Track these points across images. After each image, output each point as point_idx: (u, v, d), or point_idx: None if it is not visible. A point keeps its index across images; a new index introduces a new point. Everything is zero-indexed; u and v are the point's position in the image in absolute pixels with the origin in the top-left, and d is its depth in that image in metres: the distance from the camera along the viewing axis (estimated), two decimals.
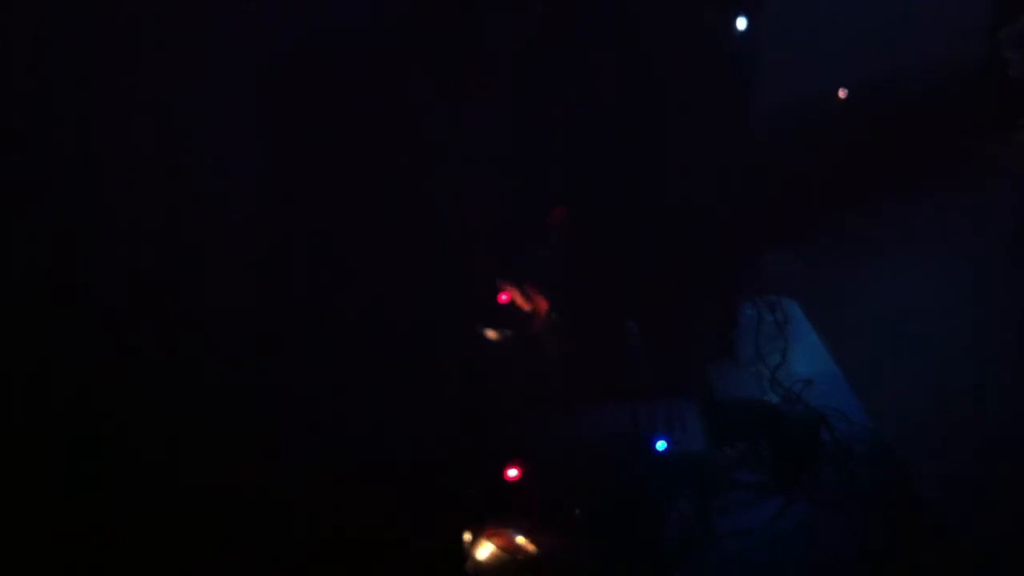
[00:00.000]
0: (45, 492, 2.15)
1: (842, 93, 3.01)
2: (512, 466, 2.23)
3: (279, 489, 2.18)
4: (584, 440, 2.39)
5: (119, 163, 2.29)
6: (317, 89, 2.39)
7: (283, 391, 2.30)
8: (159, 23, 2.27)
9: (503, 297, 2.61)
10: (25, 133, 2.20)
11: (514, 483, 2.24)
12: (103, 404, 2.21)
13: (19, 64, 2.17)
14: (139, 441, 2.21)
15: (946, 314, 2.84)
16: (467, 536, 2.16)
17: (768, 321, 2.79)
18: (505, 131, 2.61)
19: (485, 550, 2.16)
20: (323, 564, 2.13)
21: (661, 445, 2.37)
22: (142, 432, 2.21)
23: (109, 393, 2.21)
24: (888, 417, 2.57)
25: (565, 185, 2.69)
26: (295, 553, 2.14)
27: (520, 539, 2.17)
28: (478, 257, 2.61)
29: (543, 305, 2.65)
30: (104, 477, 2.18)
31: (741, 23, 2.68)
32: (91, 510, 2.16)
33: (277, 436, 2.26)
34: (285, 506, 2.17)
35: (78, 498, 2.16)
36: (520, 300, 2.64)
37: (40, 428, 2.18)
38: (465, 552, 2.14)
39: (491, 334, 2.54)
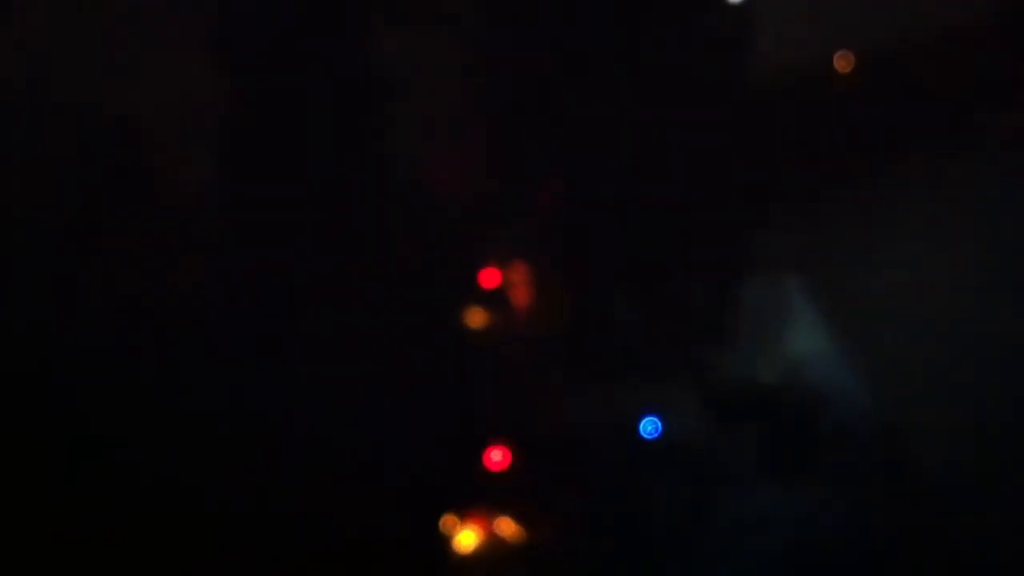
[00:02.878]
0: (45, 492, 2.18)
1: (844, 63, 2.97)
2: (496, 449, 2.21)
3: (270, 486, 2.19)
4: (575, 426, 2.36)
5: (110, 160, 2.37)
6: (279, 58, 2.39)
7: (272, 387, 2.30)
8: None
9: (492, 281, 2.59)
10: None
11: (501, 472, 2.23)
12: (101, 404, 2.25)
13: None
14: (136, 441, 2.24)
15: (953, 297, 2.81)
16: (452, 525, 2.14)
17: (767, 301, 2.75)
18: (488, 97, 2.59)
19: (470, 539, 2.12)
20: (315, 558, 2.13)
21: (655, 430, 2.35)
22: (140, 432, 2.24)
23: (108, 393, 2.25)
24: (890, 401, 2.52)
25: (553, 160, 2.68)
26: (286, 549, 2.14)
27: (506, 527, 2.14)
28: (462, 236, 2.59)
29: (533, 287, 2.63)
30: (102, 477, 2.21)
31: None
32: (90, 510, 2.18)
33: (268, 435, 2.26)
34: (276, 501, 2.18)
35: (78, 498, 2.19)
36: (511, 281, 2.62)
37: (40, 428, 2.21)
38: (450, 541, 2.12)
39: (479, 319, 2.52)
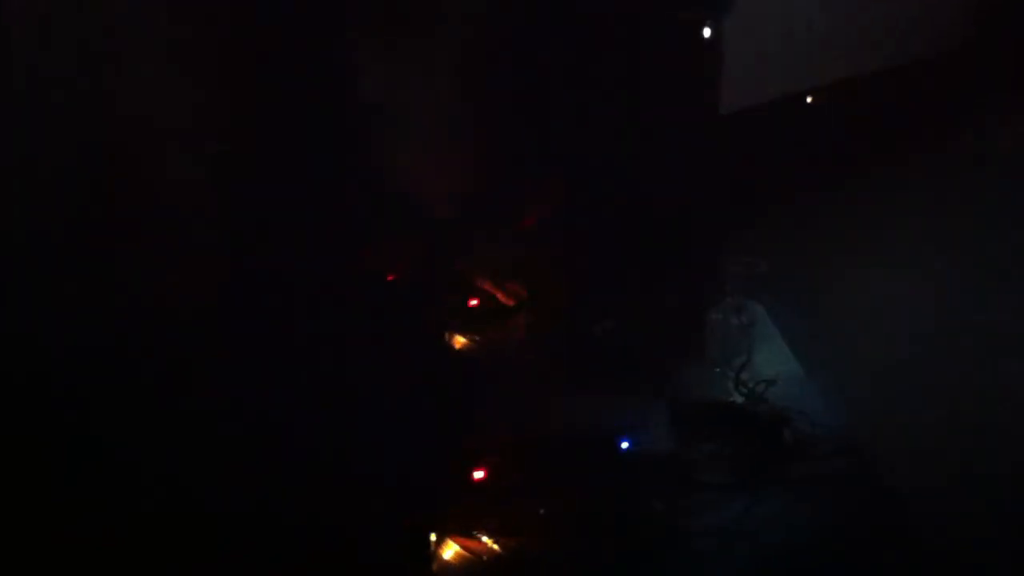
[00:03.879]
0: (45, 493, 2.19)
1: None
2: (478, 468, 2.26)
3: (257, 492, 2.21)
4: (551, 440, 2.43)
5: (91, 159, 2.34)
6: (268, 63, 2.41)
7: (262, 394, 2.34)
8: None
9: (473, 301, 2.64)
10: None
11: (480, 483, 2.28)
12: (101, 404, 2.25)
13: None
14: (136, 442, 2.24)
15: (911, 316, 2.86)
16: (432, 537, 2.18)
17: (734, 323, 2.82)
18: (473, 121, 2.64)
19: (450, 551, 2.18)
20: (291, 566, 2.16)
21: (626, 445, 2.44)
22: (139, 434, 2.25)
23: (107, 394, 2.26)
24: (851, 416, 2.60)
25: (536, 182, 2.72)
26: (267, 556, 2.17)
27: (486, 539, 2.19)
28: (446, 253, 2.63)
29: (515, 301, 2.68)
30: (102, 477, 2.22)
31: (712, 22, 2.71)
32: (90, 510, 2.19)
33: (261, 440, 2.29)
34: (259, 509, 2.20)
35: (78, 498, 2.20)
36: (494, 295, 2.67)
37: (39, 429, 2.22)
38: (431, 553, 2.16)
39: (460, 338, 2.57)
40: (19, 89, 2.29)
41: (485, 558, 2.17)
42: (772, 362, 2.76)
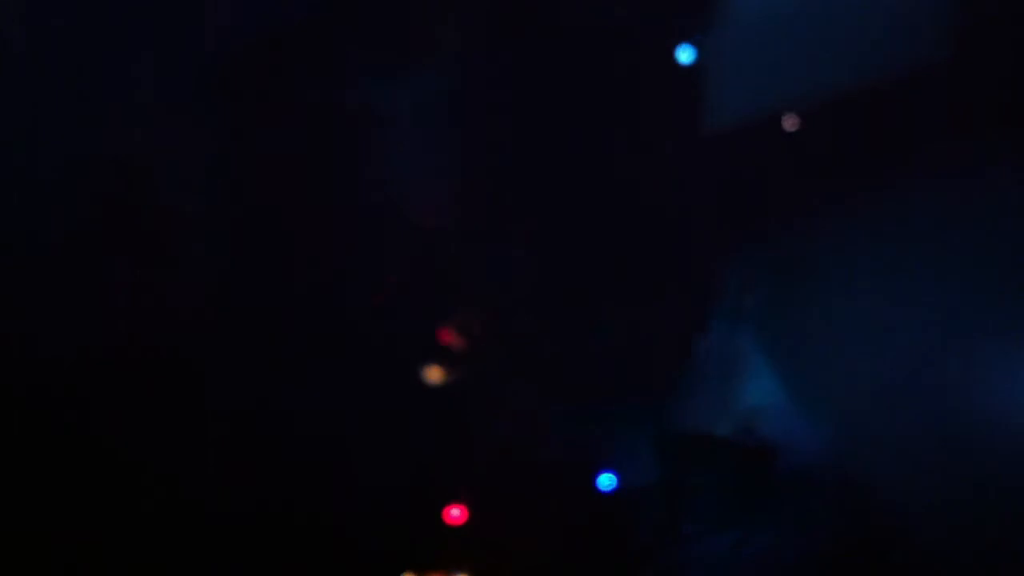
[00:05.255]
0: (45, 493, 2.20)
1: (790, 123, 3.03)
2: (455, 506, 2.23)
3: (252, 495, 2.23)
4: (534, 477, 2.40)
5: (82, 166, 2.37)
6: (261, 79, 2.44)
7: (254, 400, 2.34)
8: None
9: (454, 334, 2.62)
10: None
11: (457, 522, 2.25)
12: (101, 405, 2.27)
13: None
14: (136, 442, 2.26)
15: (902, 344, 2.84)
16: None
17: (723, 354, 2.79)
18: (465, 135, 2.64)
19: None
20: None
21: (611, 481, 2.39)
22: (139, 433, 2.27)
23: (107, 395, 2.27)
24: (842, 445, 2.56)
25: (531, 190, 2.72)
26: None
27: None
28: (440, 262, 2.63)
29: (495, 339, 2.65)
30: (102, 477, 2.23)
31: (694, 43, 2.73)
32: (86, 512, 2.20)
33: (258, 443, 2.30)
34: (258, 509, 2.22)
35: (75, 499, 2.21)
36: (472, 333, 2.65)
37: (39, 429, 2.23)
38: None
39: (435, 373, 2.54)
40: (20, 93, 2.33)
41: None
42: (761, 393, 2.73)
